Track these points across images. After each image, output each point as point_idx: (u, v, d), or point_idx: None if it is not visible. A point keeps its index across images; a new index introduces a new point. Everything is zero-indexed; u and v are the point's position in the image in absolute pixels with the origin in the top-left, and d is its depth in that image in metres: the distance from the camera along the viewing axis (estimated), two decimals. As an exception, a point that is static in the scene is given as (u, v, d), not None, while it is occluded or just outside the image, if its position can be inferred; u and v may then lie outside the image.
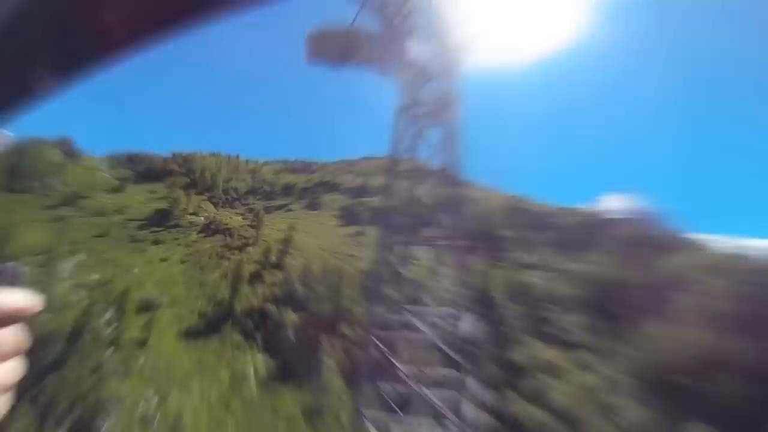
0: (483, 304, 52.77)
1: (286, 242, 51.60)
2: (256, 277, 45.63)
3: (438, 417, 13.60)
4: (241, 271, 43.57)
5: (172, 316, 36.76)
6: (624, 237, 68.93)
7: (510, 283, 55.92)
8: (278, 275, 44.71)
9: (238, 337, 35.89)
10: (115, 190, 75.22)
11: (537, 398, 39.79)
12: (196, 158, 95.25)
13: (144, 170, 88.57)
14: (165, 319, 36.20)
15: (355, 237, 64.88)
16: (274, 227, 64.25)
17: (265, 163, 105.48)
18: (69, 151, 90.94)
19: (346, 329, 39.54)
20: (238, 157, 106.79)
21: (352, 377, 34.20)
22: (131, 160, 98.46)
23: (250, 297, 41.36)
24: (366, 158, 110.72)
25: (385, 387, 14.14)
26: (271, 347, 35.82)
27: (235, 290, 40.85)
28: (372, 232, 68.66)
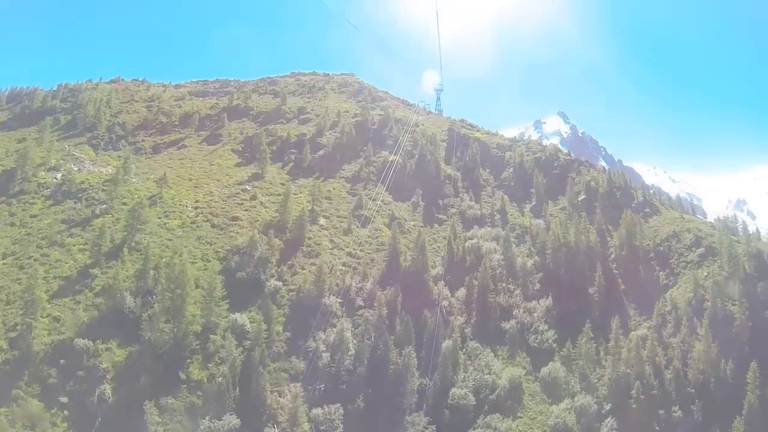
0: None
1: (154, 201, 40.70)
2: (82, 277, 36.12)
3: None
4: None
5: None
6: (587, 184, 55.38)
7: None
8: (114, 269, 34.92)
9: (35, 404, 27.40)
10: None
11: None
12: (85, 90, 79.81)
13: (21, 111, 73.76)
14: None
15: (251, 181, 53.99)
16: (150, 175, 52.95)
17: (175, 86, 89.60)
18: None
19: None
20: (143, 82, 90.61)
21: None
22: (12, 99, 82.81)
23: (58, 323, 32.17)
24: (293, 75, 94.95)
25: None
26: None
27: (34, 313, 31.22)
28: (273, 172, 57.68)
